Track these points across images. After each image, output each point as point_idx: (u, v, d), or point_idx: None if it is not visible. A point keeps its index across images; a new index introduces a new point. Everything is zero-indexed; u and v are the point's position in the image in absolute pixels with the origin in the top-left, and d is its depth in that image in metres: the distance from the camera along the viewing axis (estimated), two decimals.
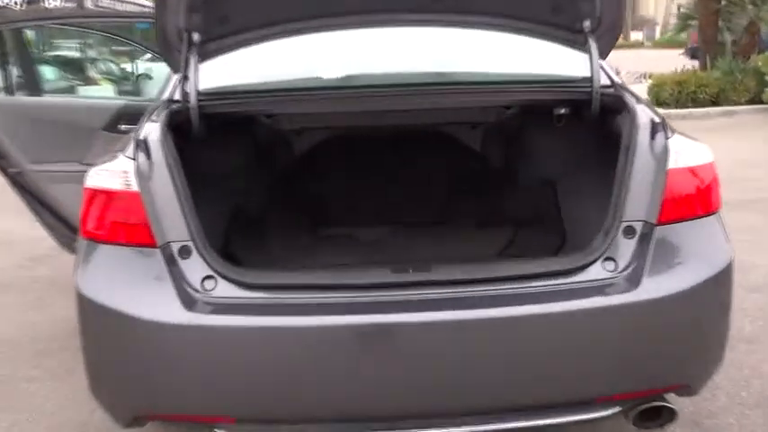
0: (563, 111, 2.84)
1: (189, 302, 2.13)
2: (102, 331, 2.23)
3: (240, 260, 2.74)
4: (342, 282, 2.20)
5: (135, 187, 2.20)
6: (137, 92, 8.00)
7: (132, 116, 3.33)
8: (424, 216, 3.64)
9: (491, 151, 3.88)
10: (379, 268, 2.30)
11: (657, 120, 2.37)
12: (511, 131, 3.62)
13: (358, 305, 2.12)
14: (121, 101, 4.64)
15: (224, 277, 2.18)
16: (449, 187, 3.79)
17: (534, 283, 2.18)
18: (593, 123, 2.63)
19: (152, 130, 2.31)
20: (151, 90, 6.88)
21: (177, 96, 2.56)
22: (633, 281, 2.18)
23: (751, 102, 12.95)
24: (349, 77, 2.87)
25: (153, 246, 2.19)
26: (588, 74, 2.57)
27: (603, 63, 2.63)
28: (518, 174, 3.61)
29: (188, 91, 2.51)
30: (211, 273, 2.18)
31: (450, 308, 2.12)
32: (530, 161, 3.47)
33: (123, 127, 3.80)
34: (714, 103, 13.03)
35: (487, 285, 2.17)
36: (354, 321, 2.09)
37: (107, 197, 2.25)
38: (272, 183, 3.68)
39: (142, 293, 2.16)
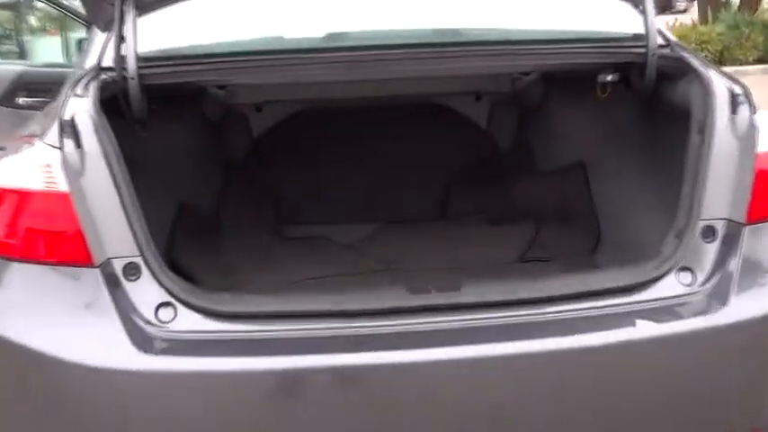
0: (609, 78, 2.44)
1: (140, 340, 1.72)
2: (15, 382, 1.80)
3: (189, 275, 2.39)
4: (347, 308, 1.81)
5: (63, 186, 1.78)
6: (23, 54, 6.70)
7: (33, 86, 2.62)
8: (418, 211, 3.21)
9: (500, 128, 3.47)
10: (392, 287, 1.95)
11: (738, 90, 2.02)
12: (528, 103, 3.24)
13: (373, 339, 1.75)
14: (17, 66, 4.01)
15: (186, 304, 1.77)
16: (448, 174, 3.35)
17: (594, 304, 1.82)
18: (641, 93, 2.34)
19: (81, 107, 1.88)
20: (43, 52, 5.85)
21: (108, 63, 2.13)
22: (718, 298, 1.85)
23: (760, 61, 12.24)
24: (325, 37, 2.42)
25: (89, 264, 1.77)
26: (640, 31, 2.24)
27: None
28: (535, 156, 3.23)
29: (125, 55, 2.08)
30: (169, 298, 1.77)
31: (499, 338, 1.74)
32: (553, 140, 3.12)
33: (22, 100, 3.27)
34: (718, 63, 12.31)
35: (537, 308, 1.81)
36: (372, 361, 1.71)
37: (22, 199, 1.82)
38: (227, 172, 3.23)
39: (74, 329, 1.75)
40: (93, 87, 1.98)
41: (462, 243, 2.89)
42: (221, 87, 2.94)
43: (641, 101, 2.44)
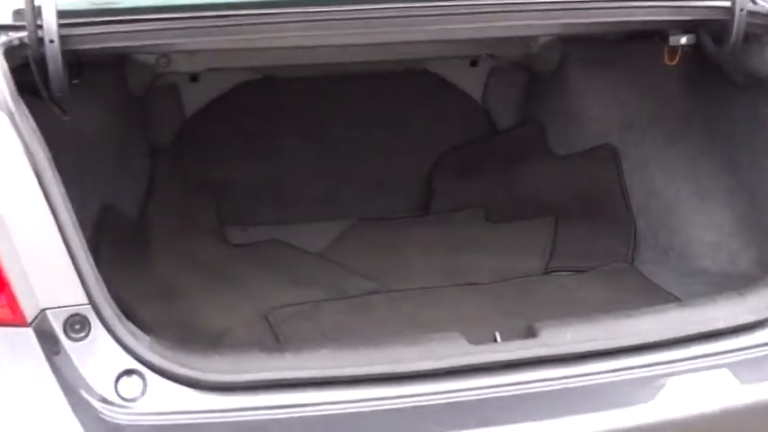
0: (684, 40, 2.07)
1: (96, 429, 1.32)
2: None
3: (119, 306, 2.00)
4: (398, 369, 1.41)
5: None
6: None
7: None
8: (395, 204, 2.77)
9: (499, 100, 2.97)
10: (447, 335, 1.52)
11: None
12: (539, 70, 2.80)
13: (446, 412, 1.38)
14: None
15: (160, 370, 1.36)
16: (433, 158, 2.88)
17: (714, 347, 1.51)
18: (717, 59, 2.03)
19: None
20: None
21: (15, 20, 1.70)
22: None
23: None
24: None
25: (14, 321, 1.33)
26: None
27: None
28: (548, 135, 2.79)
29: (40, 7, 1.62)
30: (134, 363, 1.36)
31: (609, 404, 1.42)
32: (573, 116, 2.70)
33: None
34: None
35: (644, 356, 1.48)
36: None
37: None
38: (154, 160, 2.66)
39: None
40: None
41: (462, 247, 2.48)
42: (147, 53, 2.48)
43: (696, 69, 2.18)
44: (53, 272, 1.34)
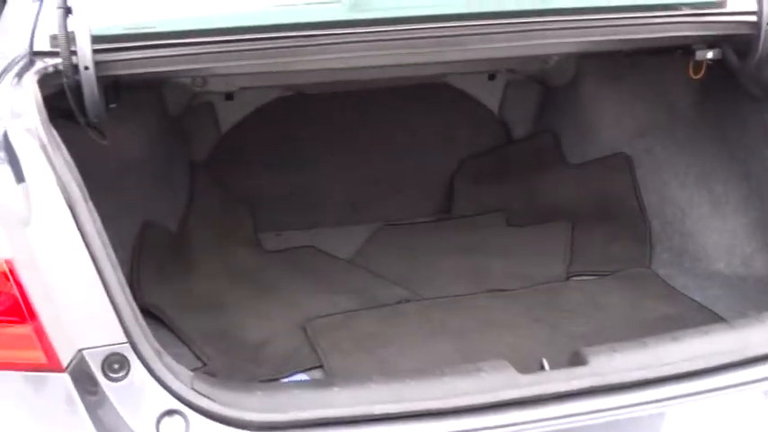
0: (710, 55, 2.05)
1: None
2: None
3: (161, 318, 2.05)
4: (438, 406, 1.36)
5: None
6: None
7: None
8: (418, 210, 2.84)
9: (516, 111, 3.02)
10: (496, 364, 1.47)
11: None
12: (554, 82, 2.83)
13: None
14: None
15: (204, 411, 1.30)
16: (452, 166, 2.93)
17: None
18: (741, 72, 2.02)
19: (21, 110, 1.41)
20: None
21: (44, 45, 1.63)
22: None
23: None
24: (344, 6, 1.83)
25: (50, 367, 1.26)
26: None
27: None
28: (563, 144, 2.82)
29: (73, 33, 1.57)
30: (176, 404, 1.30)
31: None
32: (587, 126, 2.72)
33: None
34: None
35: (694, 382, 1.42)
36: None
37: None
38: (195, 177, 2.74)
39: None
40: (28, 82, 1.49)
41: (486, 251, 2.52)
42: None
43: (710, 80, 2.14)
44: (89, 311, 1.28)
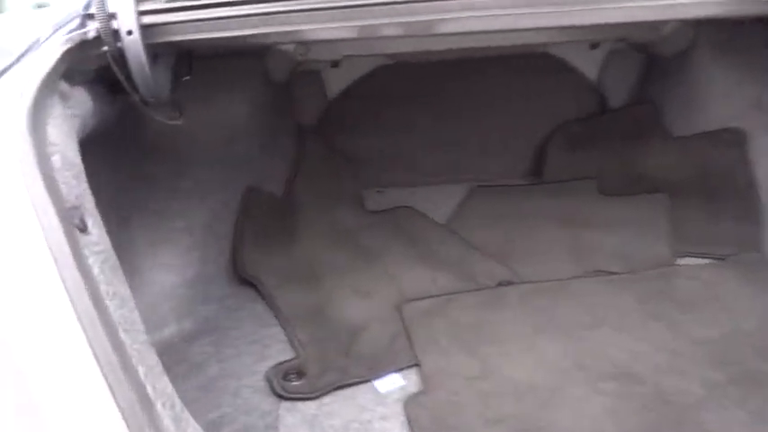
0: None
1: None
2: None
3: (260, 285, 2.15)
4: None
5: None
6: None
7: None
8: (509, 171, 2.93)
9: (615, 80, 2.95)
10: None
11: None
12: (665, 52, 2.67)
13: None
14: None
15: None
16: (546, 131, 2.95)
17: None
18: None
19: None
20: None
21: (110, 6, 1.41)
22: None
23: None
24: None
25: None
26: None
27: None
28: (666, 116, 2.72)
29: None
30: None
31: None
32: (696, 99, 2.59)
33: None
34: None
35: None
36: None
37: None
38: (303, 141, 2.84)
39: None
40: (52, 48, 1.30)
41: (583, 223, 2.48)
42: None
43: None
44: None
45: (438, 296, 2.12)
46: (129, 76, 1.43)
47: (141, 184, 2.08)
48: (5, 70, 1.31)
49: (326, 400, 1.73)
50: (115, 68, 1.40)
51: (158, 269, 2.04)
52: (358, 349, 1.92)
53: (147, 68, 1.41)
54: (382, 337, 1.96)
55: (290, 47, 2.49)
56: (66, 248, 0.99)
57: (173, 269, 2.06)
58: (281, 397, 1.74)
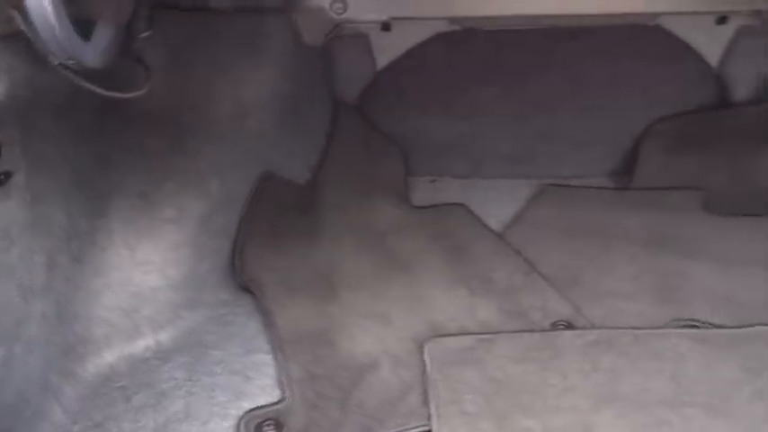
0: None
1: None
2: None
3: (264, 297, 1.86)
4: None
5: None
6: None
7: None
8: (589, 170, 2.56)
9: (744, 67, 2.51)
10: None
11: None
12: None
13: None
14: None
15: None
16: (642, 125, 2.55)
17: None
18: None
19: None
20: None
21: None
22: None
23: None
24: None
25: None
26: None
27: None
28: None
29: None
30: None
31: None
32: None
33: None
34: None
35: None
36: None
37: None
38: (340, 117, 2.54)
39: None
40: None
41: (676, 246, 2.08)
42: None
43: None
44: None
45: (474, 334, 1.72)
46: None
47: (125, 158, 1.82)
48: None
49: None
50: (20, 20, 1.08)
51: (136, 267, 1.77)
52: (359, 397, 1.57)
53: (50, 17, 1.08)
54: (392, 383, 1.61)
55: (326, 2, 2.22)
56: None
57: (154, 268, 1.79)
58: None
